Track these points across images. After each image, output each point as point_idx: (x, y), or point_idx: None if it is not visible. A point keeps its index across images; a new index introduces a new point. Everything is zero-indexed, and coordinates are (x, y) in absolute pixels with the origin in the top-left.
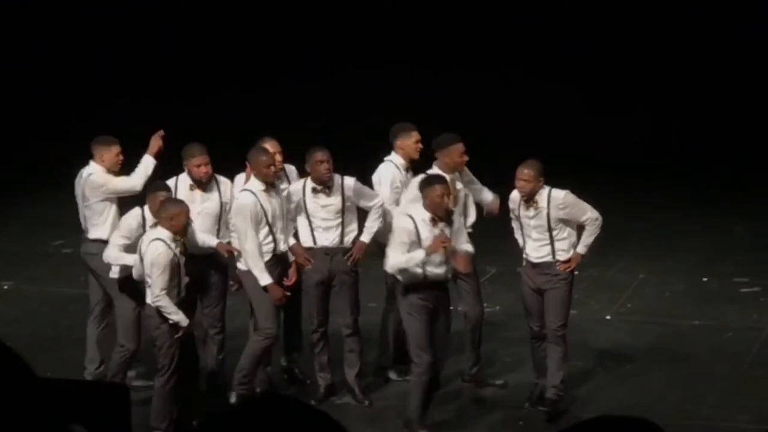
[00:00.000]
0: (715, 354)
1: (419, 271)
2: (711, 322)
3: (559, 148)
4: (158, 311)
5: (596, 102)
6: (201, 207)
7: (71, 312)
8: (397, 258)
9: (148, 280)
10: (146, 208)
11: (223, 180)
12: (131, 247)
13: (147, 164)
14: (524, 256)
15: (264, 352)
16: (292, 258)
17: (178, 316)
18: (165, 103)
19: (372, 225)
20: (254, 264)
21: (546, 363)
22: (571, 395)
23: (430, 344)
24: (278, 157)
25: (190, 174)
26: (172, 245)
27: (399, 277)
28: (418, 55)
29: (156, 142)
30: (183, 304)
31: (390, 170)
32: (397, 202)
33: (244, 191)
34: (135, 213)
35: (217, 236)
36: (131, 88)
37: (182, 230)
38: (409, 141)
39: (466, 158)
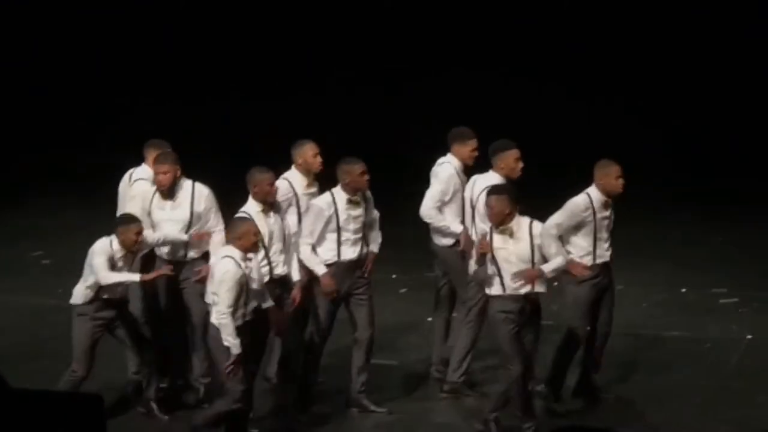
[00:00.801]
0: (695, 365)
1: (498, 282)
2: (690, 333)
3: (545, 151)
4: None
5: (583, 107)
6: (170, 214)
7: (50, 323)
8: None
9: (215, 297)
10: (113, 238)
11: (200, 190)
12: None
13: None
14: (594, 260)
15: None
16: (296, 278)
17: (233, 341)
18: (165, 103)
19: (377, 235)
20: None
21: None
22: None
23: (513, 356)
24: (318, 159)
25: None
26: (242, 264)
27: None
28: (420, 56)
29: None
30: (245, 328)
31: (448, 172)
32: (441, 203)
33: (240, 214)
34: (106, 241)
35: (187, 243)
36: (126, 95)
37: (252, 248)
38: (465, 149)
39: (521, 164)
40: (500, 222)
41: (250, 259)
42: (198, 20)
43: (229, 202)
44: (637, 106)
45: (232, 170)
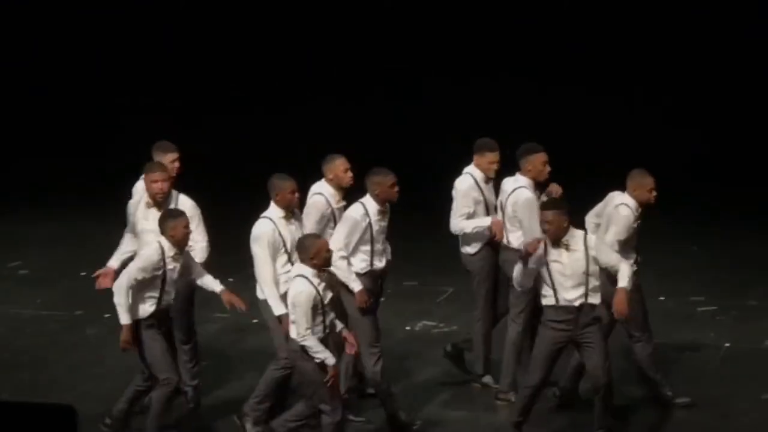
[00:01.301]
0: (672, 373)
1: (551, 294)
2: (668, 341)
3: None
4: (303, 349)
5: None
6: (153, 225)
7: (27, 334)
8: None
9: (292, 317)
10: (163, 239)
11: (183, 201)
12: (147, 282)
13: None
14: (636, 266)
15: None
16: None
17: (324, 354)
18: (161, 114)
19: (388, 245)
20: (269, 292)
21: None
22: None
23: (541, 367)
24: (349, 174)
25: (146, 191)
26: (315, 281)
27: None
28: (421, 60)
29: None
30: (327, 340)
31: (467, 184)
32: (468, 216)
33: (262, 219)
34: (155, 247)
35: None
36: (123, 97)
37: (326, 265)
38: (484, 160)
39: (548, 167)
40: (559, 236)
41: (322, 275)
42: (200, 24)
43: (226, 207)
44: (628, 112)
45: (232, 177)
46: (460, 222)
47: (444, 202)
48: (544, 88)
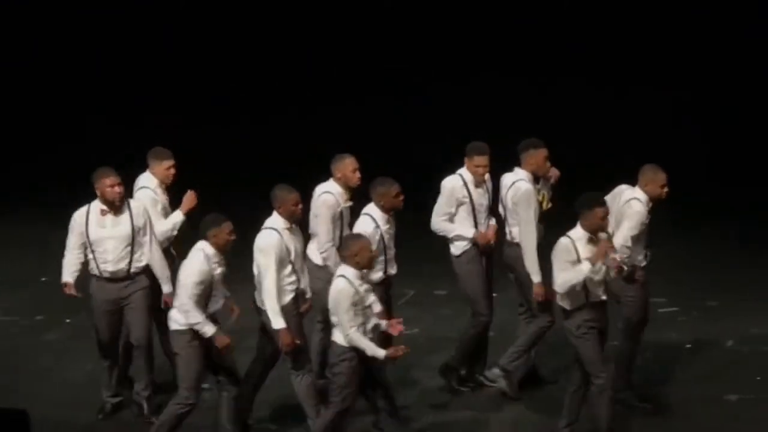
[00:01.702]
0: (635, 374)
1: (581, 291)
2: None
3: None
4: (351, 349)
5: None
6: (111, 232)
7: None
8: (564, 276)
9: (334, 318)
10: (206, 245)
11: (135, 204)
12: (207, 290)
13: (175, 220)
14: (646, 261)
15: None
16: (308, 294)
17: (374, 350)
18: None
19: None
20: (270, 305)
21: None
22: (497, 418)
23: (605, 365)
24: (357, 174)
25: (102, 197)
26: (356, 282)
27: (563, 303)
28: (431, 61)
29: (189, 200)
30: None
31: (451, 184)
32: (450, 217)
33: (268, 230)
34: (200, 257)
35: (131, 259)
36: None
37: (368, 265)
38: (470, 164)
39: (549, 165)
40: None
41: (364, 275)
42: (199, 25)
43: (224, 209)
44: (628, 111)
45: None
46: (442, 223)
47: (424, 202)
48: (543, 88)
